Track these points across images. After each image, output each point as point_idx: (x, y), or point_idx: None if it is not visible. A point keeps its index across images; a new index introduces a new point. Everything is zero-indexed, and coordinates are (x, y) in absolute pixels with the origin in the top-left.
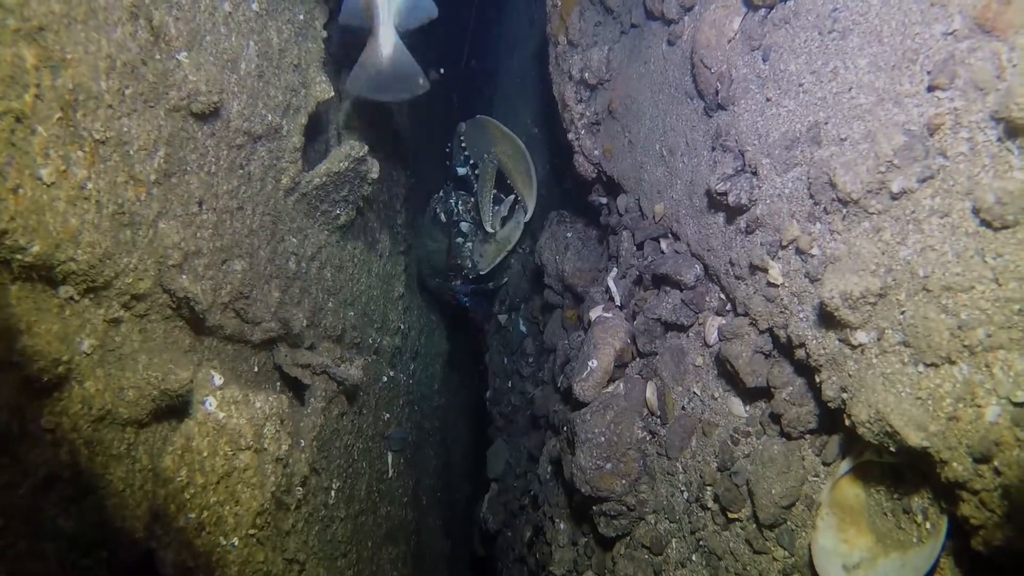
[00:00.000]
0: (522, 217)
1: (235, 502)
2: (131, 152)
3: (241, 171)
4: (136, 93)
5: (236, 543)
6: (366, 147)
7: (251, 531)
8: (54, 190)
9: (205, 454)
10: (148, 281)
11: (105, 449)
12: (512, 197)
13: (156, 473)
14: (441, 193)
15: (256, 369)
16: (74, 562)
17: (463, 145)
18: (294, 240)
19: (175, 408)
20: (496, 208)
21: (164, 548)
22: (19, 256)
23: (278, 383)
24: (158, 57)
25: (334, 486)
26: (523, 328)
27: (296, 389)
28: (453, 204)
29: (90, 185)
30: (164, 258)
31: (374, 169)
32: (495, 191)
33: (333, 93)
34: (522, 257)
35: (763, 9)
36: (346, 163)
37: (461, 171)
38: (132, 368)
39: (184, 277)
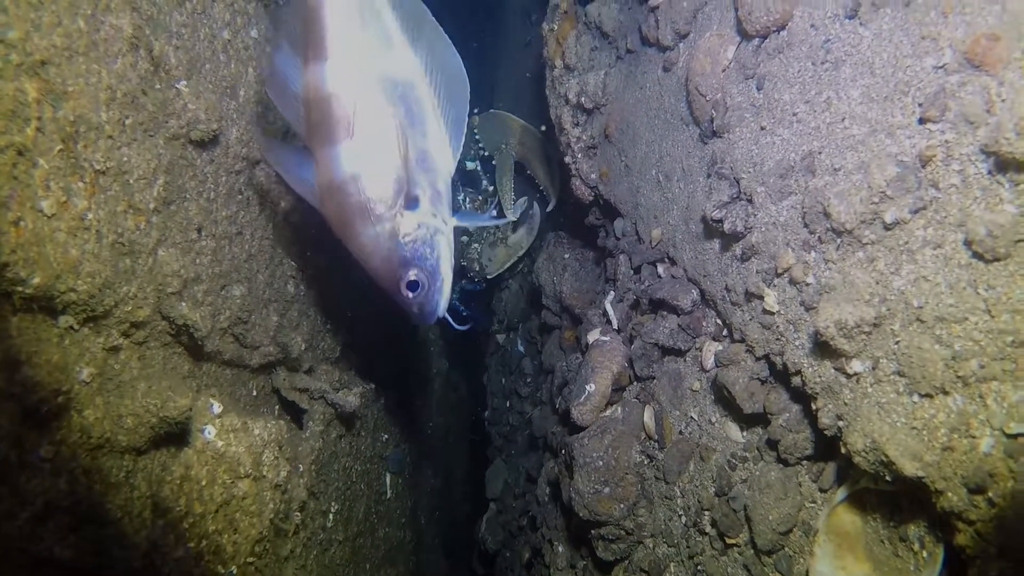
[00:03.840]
0: (536, 223)
1: (233, 531)
2: (131, 181)
3: (240, 196)
4: (136, 123)
5: (235, 572)
6: None
7: (249, 559)
8: (55, 221)
9: (204, 483)
10: (147, 309)
11: (104, 477)
12: (524, 200)
13: (155, 502)
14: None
15: (255, 393)
16: None
17: (476, 137)
18: (293, 263)
19: (174, 435)
20: (516, 199)
21: None
22: (20, 288)
23: (276, 406)
24: (158, 87)
25: (332, 509)
26: (521, 348)
27: (294, 411)
28: (460, 201)
29: (90, 215)
30: (163, 286)
31: None
32: (514, 180)
33: None
34: (520, 277)
35: (756, 39)
36: None
37: (471, 165)
38: (131, 396)
39: (183, 304)
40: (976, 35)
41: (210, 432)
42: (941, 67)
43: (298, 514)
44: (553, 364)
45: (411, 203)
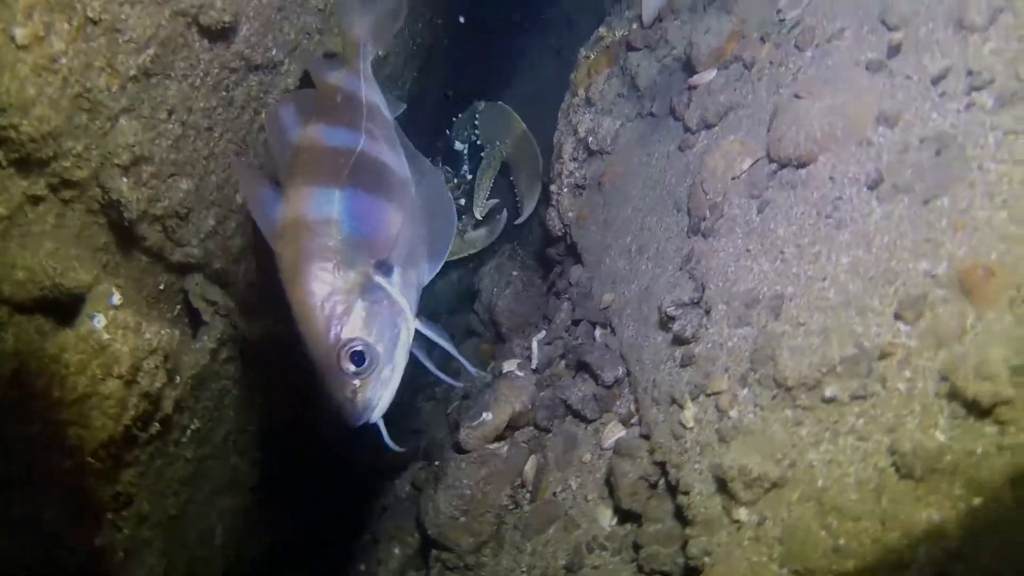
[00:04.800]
0: (498, 230)
1: (83, 427)
2: (120, 41)
3: (224, 94)
4: None
5: (68, 466)
6: None
7: (89, 459)
8: (23, 53)
9: (71, 370)
10: (86, 172)
11: None
12: (496, 203)
13: (15, 368)
14: (427, 163)
15: (162, 287)
16: None
17: (476, 123)
18: None
19: (62, 308)
20: (489, 199)
21: None
22: None
23: (178, 307)
24: None
25: (192, 426)
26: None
27: (195, 319)
28: None
29: (64, 60)
30: (112, 155)
31: None
32: (494, 180)
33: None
34: (462, 270)
35: (776, 164)
36: None
37: (458, 146)
38: (33, 250)
39: (124, 180)
40: (975, 262)
41: (99, 321)
42: (932, 275)
43: (157, 425)
44: (461, 369)
45: (385, 269)
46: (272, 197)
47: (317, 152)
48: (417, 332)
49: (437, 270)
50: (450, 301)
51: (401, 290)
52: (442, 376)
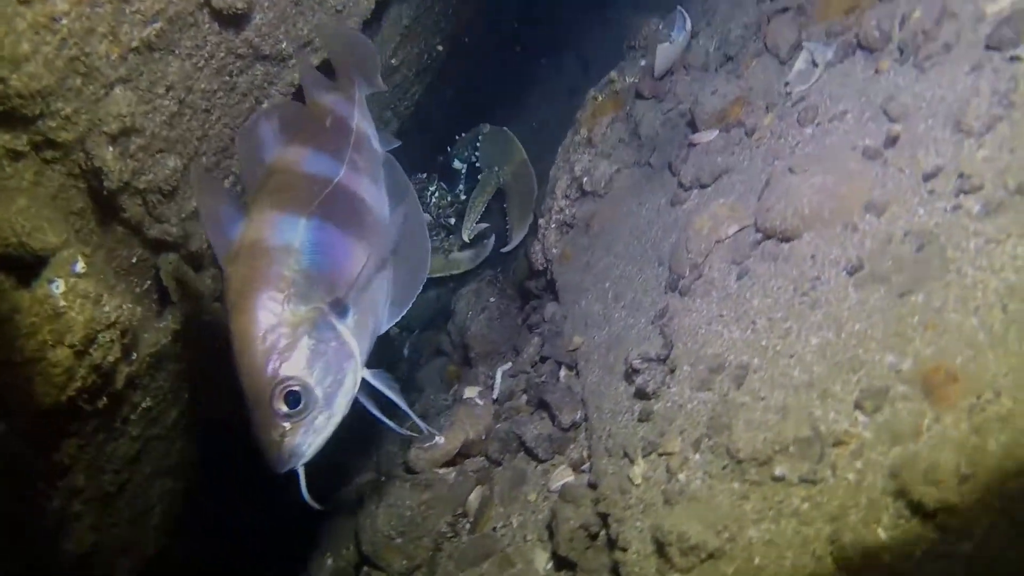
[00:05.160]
0: (486, 252)
1: (25, 393)
2: (127, 11)
3: (227, 79)
4: None
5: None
6: None
7: (27, 425)
8: (23, 8)
9: (23, 332)
10: (72, 135)
11: None
12: (486, 227)
13: None
14: (423, 175)
15: (135, 260)
16: None
17: (478, 144)
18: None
19: (23, 266)
20: (480, 222)
21: None
22: None
23: (148, 282)
24: None
25: (144, 404)
26: (406, 352)
27: (162, 296)
28: (430, 194)
29: (65, 21)
30: (101, 122)
31: None
32: (487, 204)
33: None
34: (442, 289)
35: (761, 234)
36: None
37: (458, 164)
38: (6, 205)
39: (110, 149)
40: (940, 364)
41: (58, 287)
42: (897, 370)
43: (105, 400)
44: (424, 387)
45: (341, 309)
46: (232, 215)
47: (292, 175)
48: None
49: (397, 319)
50: (425, 318)
51: (354, 333)
52: (394, 427)
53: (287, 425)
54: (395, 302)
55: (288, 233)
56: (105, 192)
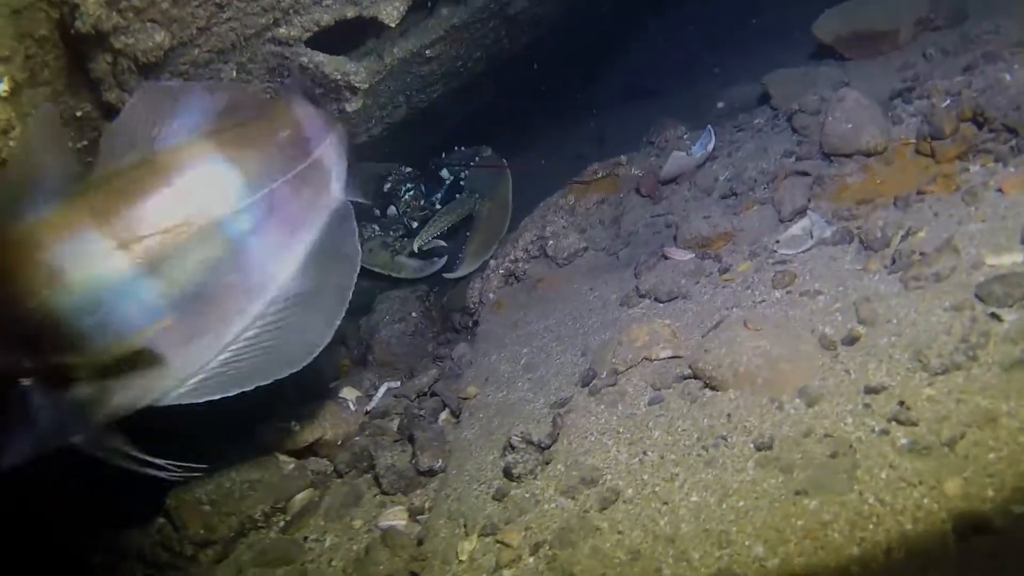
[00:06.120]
0: (433, 268)
1: None
2: None
3: None
4: None
5: None
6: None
7: None
8: None
9: None
10: None
11: None
12: (442, 247)
13: None
14: (408, 170)
15: (78, 114)
16: None
17: (471, 166)
18: (233, 70)
19: None
20: (437, 239)
21: None
22: None
23: (84, 144)
24: None
25: None
26: None
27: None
28: (405, 188)
29: None
30: None
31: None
32: (452, 224)
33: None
34: (376, 283)
35: (690, 371)
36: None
37: (445, 175)
38: None
39: None
40: None
41: None
42: (762, 564)
43: None
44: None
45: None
46: (49, 182)
47: (168, 183)
48: None
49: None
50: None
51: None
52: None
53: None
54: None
55: (82, 259)
56: (73, 32)
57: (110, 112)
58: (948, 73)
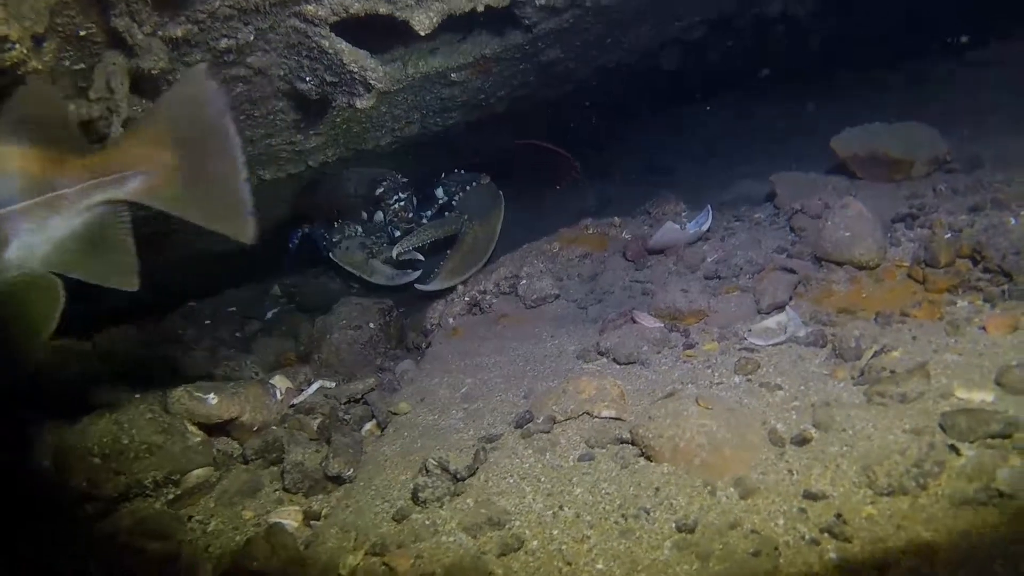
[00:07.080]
0: (405, 279)
1: None
2: None
3: None
4: None
5: None
6: None
7: None
8: None
9: None
10: None
11: None
12: (419, 262)
13: None
14: (404, 179)
15: (81, 33)
16: None
17: (467, 189)
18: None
19: None
20: (415, 252)
21: None
22: None
23: (78, 66)
24: None
25: None
26: (269, 316)
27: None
28: (395, 196)
29: None
30: None
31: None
32: (434, 240)
33: None
34: (345, 286)
35: (629, 436)
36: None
37: (439, 193)
38: None
39: None
40: None
41: None
42: None
43: None
44: (253, 351)
45: None
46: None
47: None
48: None
49: None
50: (313, 296)
51: None
52: None
53: None
54: None
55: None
56: None
57: (115, 42)
58: (954, 210)
